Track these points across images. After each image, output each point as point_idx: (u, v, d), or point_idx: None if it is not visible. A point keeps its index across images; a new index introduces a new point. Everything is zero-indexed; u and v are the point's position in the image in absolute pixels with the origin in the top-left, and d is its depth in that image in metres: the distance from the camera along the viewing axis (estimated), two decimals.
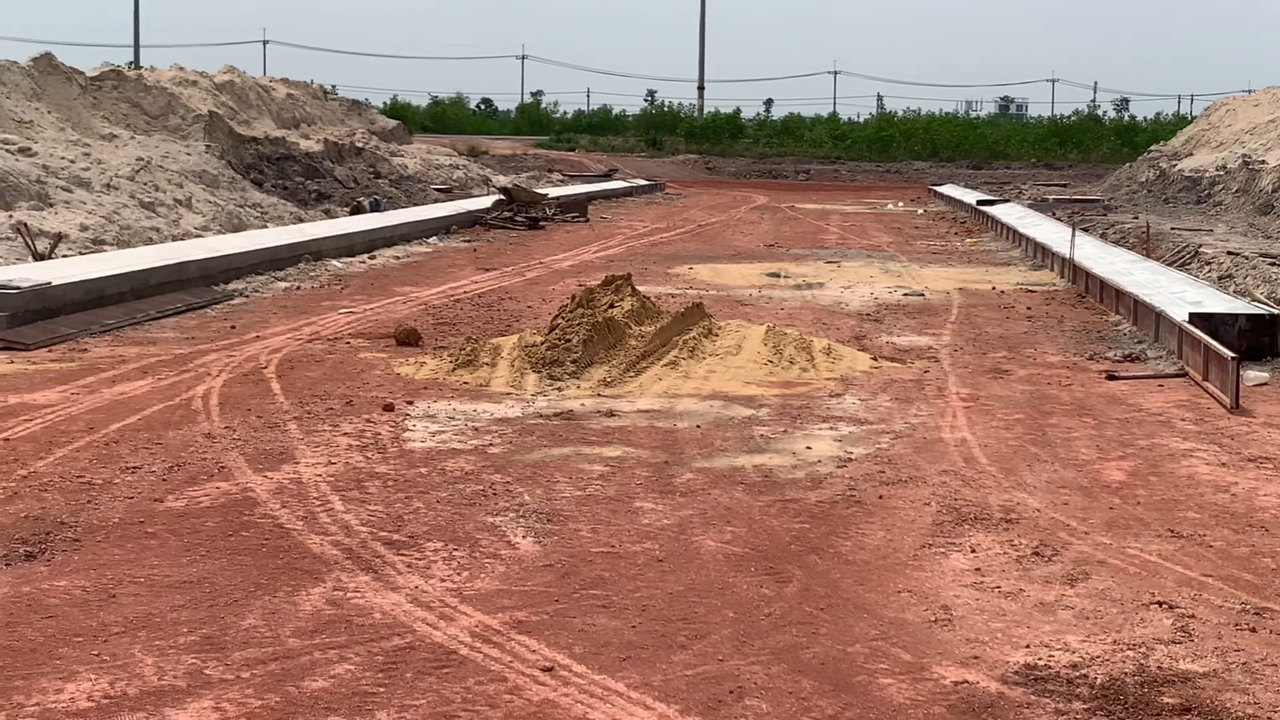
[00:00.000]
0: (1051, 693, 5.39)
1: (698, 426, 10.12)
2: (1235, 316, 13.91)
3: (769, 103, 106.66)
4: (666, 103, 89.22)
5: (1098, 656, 5.76)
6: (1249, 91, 47.37)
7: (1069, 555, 7.15)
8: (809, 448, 9.49)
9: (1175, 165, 41.70)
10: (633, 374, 11.87)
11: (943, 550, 7.24)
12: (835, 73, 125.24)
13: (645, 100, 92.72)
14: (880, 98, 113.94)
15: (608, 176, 51.92)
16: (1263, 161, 33.22)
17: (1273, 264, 19.94)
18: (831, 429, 10.12)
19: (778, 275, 20.95)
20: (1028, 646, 5.87)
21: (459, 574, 6.68)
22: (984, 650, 5.83)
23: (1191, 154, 42.45)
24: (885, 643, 5.90)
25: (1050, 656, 5.75)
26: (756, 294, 18.53)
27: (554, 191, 37.30)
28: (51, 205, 21.06)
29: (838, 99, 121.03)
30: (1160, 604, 6.41)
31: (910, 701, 5.31)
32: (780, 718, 5.13)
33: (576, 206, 34.11)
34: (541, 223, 30.08)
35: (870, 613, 6.28)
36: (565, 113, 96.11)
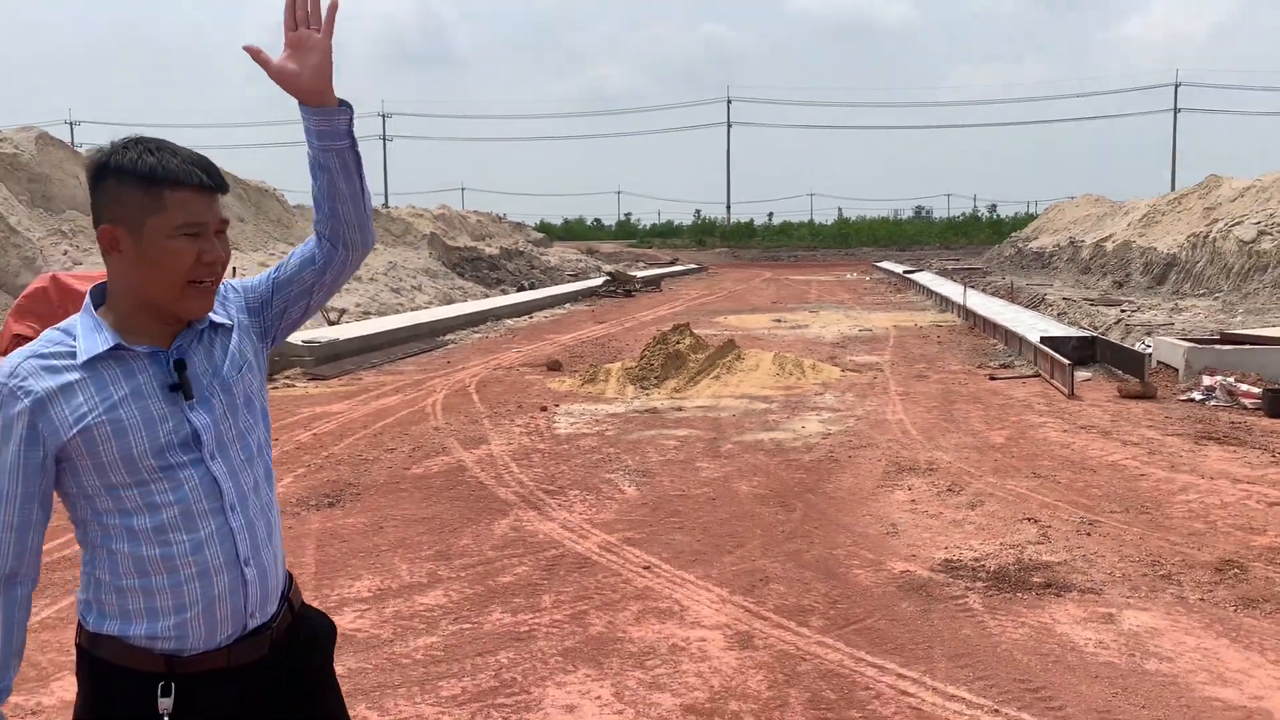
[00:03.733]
0: (962, 576, 5.30)
1: (733, 415, 10.06)
2: (1070, 337, 13.66)
3: (770, 214, 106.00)
4: (706, 217, 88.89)
5: (990, 554, 5.65)
6: (1072, 197, 46.50)
7: (970, 490, 7.02)
8: (804, 427, 9.40)
9: (1028, 245, 41.01)
10: (692, 384, 11.83)
11: (890, 489, 7.14)
12: (811, 195, 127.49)
13: (694, 216, 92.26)
14: (840, 209, 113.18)
15: (672, 263, 51.79)
16: (1082, 241, 32.61)
17: (1092, 304, 19.53)
18: (817, 415, 10.02)
19: (779, 320, 20.79)
20: (946, 548, 5.77)
21: (590, 509, 6.68)
22: (919, 551, 5.74)
23: (1037, 237, 41.71)
24: (856, 547, 5.82)
25: (960, 554, 5.65)
26: (767, 332, 18.41)
27: (640, 274, 37.32)
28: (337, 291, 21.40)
29: (814, 210, 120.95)
30: (1029, 519, 6.29)
31: (873, 583, 5.23)
32: (792, 595, 5.07)
33: (653, 282, 34.12)
34: (633, 293, 30.11)
35: (846, 529, 6.20)
36: (645, 225, 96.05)
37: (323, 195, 1.90)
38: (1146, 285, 23.09)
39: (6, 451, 1.71)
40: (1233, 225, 20.86)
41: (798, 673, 4.17)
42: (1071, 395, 10.71)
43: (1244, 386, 10.14)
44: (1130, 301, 19.91)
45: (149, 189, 1.70)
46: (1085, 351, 13.05)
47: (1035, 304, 21.36)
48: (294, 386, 12.40)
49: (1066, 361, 11.32)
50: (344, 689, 4.06)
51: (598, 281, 32.10)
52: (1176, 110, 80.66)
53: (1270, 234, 19.00)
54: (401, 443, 8.88)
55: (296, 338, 14.49)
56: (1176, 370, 11.56)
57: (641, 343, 15.10)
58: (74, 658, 1.76)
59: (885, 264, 45.94)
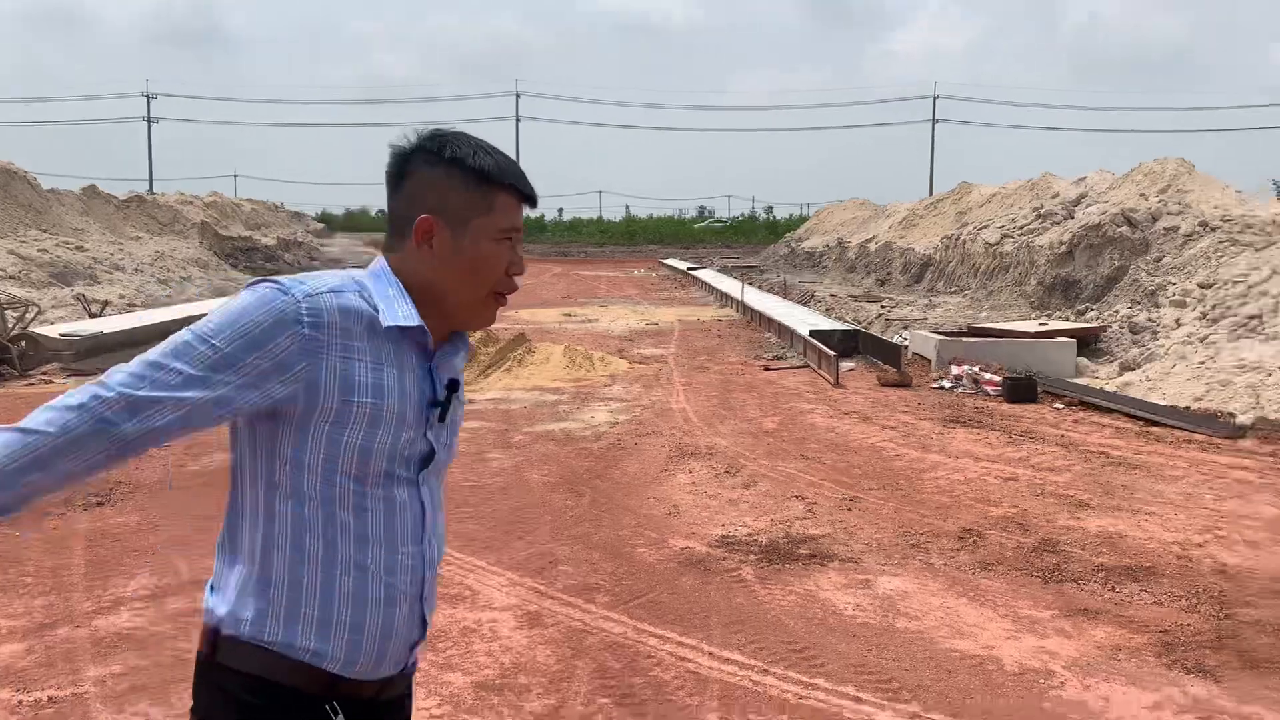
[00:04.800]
0: (737, 550, 5.66)
1: (525, 407, 10.19)
2: (835, 331, 14.58)
3: (560, 210, 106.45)
4: None
5: (762, 529, 6.06)
6: (841, 200, 49.19)
7: (745, 472, 7.46)
8: (593, 417, 9.65)
9: (801, 244, 43.03)
10: (483, 378, 11.87)
11: (673, 472, 7.48)
12: (601, 192, 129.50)
13: None
14: (628, 207, 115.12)
15: None
16: (849, 242, 34.63)
17: (856, 301, 20.88)
18: (606, 405, 10.29)
19: (570, 314, 21.01)
20: (723, 526, 6.13)
21: None
22: (698, 529, 6.07)
23: (809, 238, 43.82)
24: (641, 528, 6.10)
25: (736, 531, 6.03)
26: (558, 326, 18.61)
27: None
28: (99, 282, 20.03)
29: (603, 207, 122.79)
30: (797, 497, 6.76)
31: (656, 560, 5.51)
32: (579, 575, 5.28)
33: None
34: None
35: (632, 511, 6.47)
36: None
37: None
38: (905, 283, 24.88)
39: (241, 361, 1.48)
40: (980, 229, 22.80)
41: (584, 646, 4.38)
42: (837, 384, 11.48)
43: (987, 375, 11.20)
44: (890, 298, 21.42)
45: (481, 188, 1.60)
46: (849, 344, 13.97)
47: (806, 300, 22.58)
48: (53, 383, 11.57)
49: (832, 353, 12.12)
50: (124, 688, 3.96)
51: None
52: (935, 121, 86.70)
53: (1011, 237, 20.89)
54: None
55: (54, 330, 13.51)
56: (929, 360, 12.60)
57: None
58: None
59: (671, 261, 47.11)
